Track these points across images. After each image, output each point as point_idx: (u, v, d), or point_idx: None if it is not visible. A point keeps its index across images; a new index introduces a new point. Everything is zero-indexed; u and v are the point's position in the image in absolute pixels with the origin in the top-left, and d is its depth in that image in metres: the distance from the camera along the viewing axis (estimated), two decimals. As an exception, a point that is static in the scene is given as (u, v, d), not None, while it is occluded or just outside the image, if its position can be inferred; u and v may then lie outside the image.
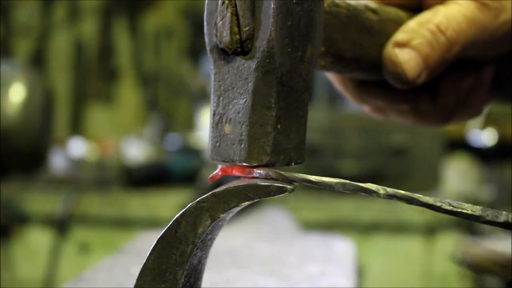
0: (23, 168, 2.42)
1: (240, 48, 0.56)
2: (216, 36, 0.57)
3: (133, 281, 0.53)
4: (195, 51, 3.54)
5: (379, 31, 0.67)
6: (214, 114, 0.58)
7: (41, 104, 2.44)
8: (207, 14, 0.58)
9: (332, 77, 0.76)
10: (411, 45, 0.65)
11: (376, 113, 0.77)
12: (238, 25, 0.56)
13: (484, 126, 2.90)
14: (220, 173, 0.55)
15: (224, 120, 0.57)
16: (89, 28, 3.61)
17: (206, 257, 0.56)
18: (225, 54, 0.57)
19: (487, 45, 0.68)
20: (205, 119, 2.79)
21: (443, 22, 0.66)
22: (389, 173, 2.13)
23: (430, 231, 2.04)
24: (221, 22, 0.57)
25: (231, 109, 0.57)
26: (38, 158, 2.46)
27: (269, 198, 0.51)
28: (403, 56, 0.65)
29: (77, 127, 3.55)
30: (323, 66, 0.64)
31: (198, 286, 0.56)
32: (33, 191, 2.37)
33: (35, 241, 2.28)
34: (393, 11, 0.69)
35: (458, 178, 2.40)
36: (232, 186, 0.51)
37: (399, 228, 2.09)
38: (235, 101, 0.57)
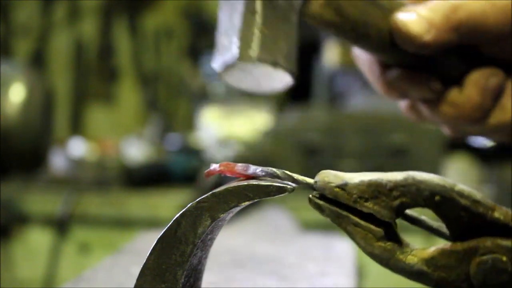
0: (23, 168, 2.42)
1: None
2: None
3: (133, 281, 0.53)
4: (195, 51, 3.54)
5: (388, 8, 0.72)
6: (216, 36, 0.68)
7: (41, 104, 2.44)
8: None
9: (361, 63, 0.79)
10: (415, 11, 0.71)
11: (411, 112, 0.80)
12: None
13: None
14: (217, 169, 0.54)
15: (222, 36, 0.68)
16: (89, 28, 3.61)
17: (206, 257, 0.56)
18: None
19: (505, 39, 0.70)
20: (205, 119, 2.79)
21: None
22: (389, 173, 2.13)
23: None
24: None
25: (228, 26, 0.67)
26: (38, 158, 2.46)
27: (269, 198, 0.51)
28: (406, 17, 0.70)
29: (77, 127, 3.55)
30: (326, 20, 0.70)
31: (198, 286, 0.56)
32: (33, 191, 2.37)
33: (35, 241, 2.27)
34: (405, 1, 0.74)
35: (458, 178, 2.40)
36: (232, 186, 0.51)
37: (399, 228, 2.08)
38: (231, 18, 0.67)
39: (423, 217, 0.53)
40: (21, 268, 2.28)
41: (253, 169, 0.53)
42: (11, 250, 2.28)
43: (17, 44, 3.58)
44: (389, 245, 0.50)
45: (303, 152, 2.15)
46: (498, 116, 0.75)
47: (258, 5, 0.65)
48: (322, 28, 0.72)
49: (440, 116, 0.76)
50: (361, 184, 0.50)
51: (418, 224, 0.53)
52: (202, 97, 3.12)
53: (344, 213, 0.51)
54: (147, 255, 0.52)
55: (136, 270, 0.53)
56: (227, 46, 0.66)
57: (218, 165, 0.54)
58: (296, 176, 0.52)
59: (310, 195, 0.52)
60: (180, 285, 0.52)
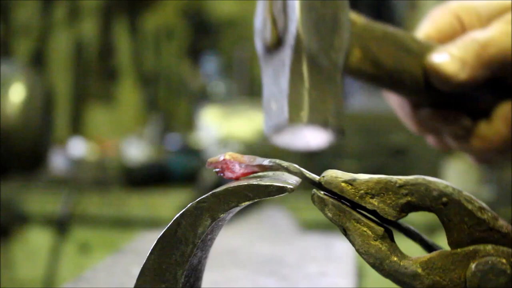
0: (23, 168, 2.42)
1: (279, 42, 0.70)
2: (262, 39, 0.73)
3: (133, 281, 0.53)
4: (195, 51, 3.54)
5: (418, 53, 0.76)
6: (264, 101, 0.71)
7: (41, 104, 2.44)
8: (258, 30, 0.74)
9: (392, 102, 0.83)
10: (446, 51, 0.74)
11: (439, 144, 0.83)
12: (275, 24, 0.71)
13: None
14: (222, 158, 0.54)
15: (270, 100, 0.70)
16: (89, 28, 3.61)
17: (206, 257, 0.56)
18: (270, 50, 0.72)
19: None
20: (205, 119, 2.79)
21: (474, 33, 0.75)
22: (389, 173, 2.13)
23: (430, 231, 2.05)
24: (263, 25, 0.72)
25: (275, 90, 0.70)
26: (38, 158, 2.46)
27: (269, 198, 0.51)
28: (440, 58, 0.73)
29: (77, 127, 3.55)
30: (365, 72, 0.75)
31: (198, 286, 0.56)
32: (33, 191, 2.37)
33: (35, 241, 2.27)
34: (433, 43, 0.78)
35: (458, 178, 2.40)
36: (232, 186, 0.51)
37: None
38: (277, 82, 0.70)
39: (416, 230, 0.54)
40: (21, 268, 2.28)
41: (260, 160, 0.53)
42: (11, 250, 2.28)
43: (17, 44, 3.58)
44: (385, 245, 0.50)
45: (303, 152, 2.15)
46: None
47: (305, 69, 0.69)
48: (360, 80, 0.77)
49: (470, 149, 0.79)
50: (370, 180, 0.51)
51: (411, 236, 0.53)
52: (202, 97, 3.12)
53: (347, 208, 0.51)
54: (147, 255, 0.52)
55: (136, 270, 0.53)
56: (277, 111, 0.69)
57: (223, 154, 0.54)
58: (303, 170, 0.52)
59: (314, 189, 0.52)
60: (180, 285, 0.52)
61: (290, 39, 0.69)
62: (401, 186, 0.50)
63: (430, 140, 0.85)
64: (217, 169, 0.55)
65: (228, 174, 0.55)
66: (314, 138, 0.72)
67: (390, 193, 0.50)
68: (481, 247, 0.48)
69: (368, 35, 0.74)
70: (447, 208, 0.49)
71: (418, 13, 2.87)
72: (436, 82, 0.74)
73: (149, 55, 3.62)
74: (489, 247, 0.48)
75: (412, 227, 0.55)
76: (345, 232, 0.51)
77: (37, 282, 2.20)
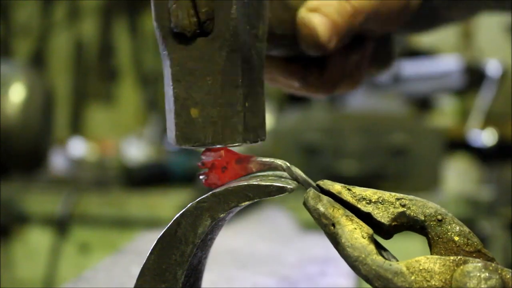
0: (23, 168, 2.42)
1: (199, 30, 0.56)
2: (170, 20, 0.56)
3: (133, 281, 0.53)
4: (195, 51, 3.54)
5: (296, 6, 0.69)
6: (176, 99, 0.57)
7: (41, 104, 2.44)
8: (160, 6, 0.56)
9: None
10: (321, 11, 0.68)
11: (268, 82, 0.77)
12: (195, 7, 0.55)
13: (484, 126, 2.90)
14: (220, 153, 0.54)
15: (189, 104, 0.57)
16: (89, 28, 3.61)
17: (206, 257, 0.56)
18: (182, 37, 0.56)
19: (384, 21, 0.73)
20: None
21: None
22: (389, 173, 2.13)
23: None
24: (175, 5, 0.55)
25: (196, 92, 0.56)
26: (38, 158, 2.46)
27: (269, 198, 0.51)
28: (315, 20, 0.68)
29: (77, 127, 3.55)
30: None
31: (198, 286, 0.56)
32: (33, 191, 2.37)
33: (35, 241, 2.27)
34: None
35: (458, 178, 2.40)
36: (232, 186, 0.51)
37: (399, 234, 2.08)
38: (200, 83, 0.56)
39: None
40: (21, 268, 2.28)
41: (257, 158, 0.53)
42: (11, 250, 2.28)
43: (17, 44, 3.58)
44: (373, 245, 0.50)
45: (303, 152, 2.15)
46: (345, 87, 0.77)
47: (240, 79, 0.56)
48: None
49: (297, 92, 0.78)
50: (367, 190, 0.52)
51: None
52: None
53: (341, 206, 0.52)
54: (147, 255, 0.52)
55: (136, 270, 0.53)
56: (201, 124, 0.57)
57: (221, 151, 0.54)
58: (298, 171, 0.53)
59: (311, 187, 0.52)
60: (180, 285, 0.52)
61: (221, 32, 0.55)
62: (399, 199, 0.51)
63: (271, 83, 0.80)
64: (203, 172, 0.55)
65: (212, 179, 0.55)
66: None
67: (387, 203, 0.52)
68: (470, 258, 0.49)
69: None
70: (439, 225, 0.50)
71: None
72: (306, 45, 0.69)
73: (149, 55, 3.62)
74: (477, 260, 0.49)
75: None
76: (333, 226, 0.51)
77: (37, 282, 2.20)
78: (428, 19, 0.81)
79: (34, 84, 2.45)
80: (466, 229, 0.50)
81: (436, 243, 0.50)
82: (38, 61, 3.54)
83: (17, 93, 2.38)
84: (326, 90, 0.76)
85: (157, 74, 3.63)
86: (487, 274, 0.47)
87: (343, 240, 0.50)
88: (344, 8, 0.69)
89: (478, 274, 0.47)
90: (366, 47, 0.77)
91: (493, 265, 0.48)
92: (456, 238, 0.50)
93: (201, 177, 0.57)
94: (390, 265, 0.48)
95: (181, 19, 0.55)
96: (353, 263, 0.49)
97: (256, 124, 0.59)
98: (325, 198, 0.52)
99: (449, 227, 0.50)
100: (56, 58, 3.60)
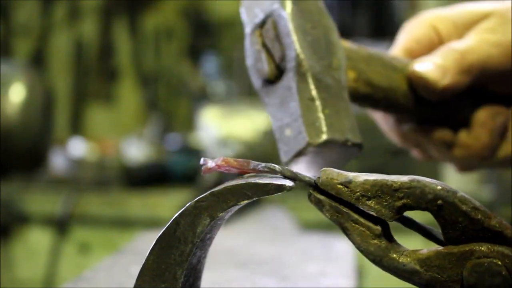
0: (23, 168, 2.42)
1: (278, 71, 0.70)
2: (258, 73, 0.72)
3: (132, 281, 0.53)
4: (195, 51, 3.54)
5: (402, 69, 0.77)
6: (276, 130, 0.70)
7: (41, 104, 2.44)
8: (251, 66, 0.73)
9: (377, 117, 0.85)
10: (426, 59, 0.76)
11: (423, 156, 0.85)
12: (270, 54, 0.71)
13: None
14: (217, 164, 0.54)
15: (284, 128, 0.70)
16: (89, 28, 3.61)
17: (205, 257, 0.56)
18: (270, 82, 0.71)
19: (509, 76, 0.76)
20: (205, 119, 2.79)
21: (453, 43, 0.77)
22: (389, 173, 2.13)
23: (432, 226, 2.04)
24: (256, 60, 0.72)
25: (286, 117, 0.69)
26: (38, 158, 2.46)
27: (268, 196, 0.51)
28: (423, 67, 0.75)
29: (77, 127, 3.55)
30: (361, 94, 0.75)
31: (198, 285, 0.56)
32: (33, 191, 2.37)
33: (35, 241, 2.27)
34: (411, 60, 0.80)
35: (458, 178, 2.40)
36: (230, 185, 0.51)
37: (399, 228, 2.08)
38: (286, 109, 0.69)
39: (417, 220, 0.54)
40: (21, 268, 2.27)
41: (254, 165, 0.53)
42: (11, 250, 2.27)
43: (17, 44, 3.58)
44: (384, 243, 0.51)
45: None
46: (505, 150, 0.80)
47: (313, 89, 0.68)
48: (357, 102, 0.76)
49: (453, 158, 0.81)
50: (365, 183, 0.51)
51: (411, 226, 0.54)
52: (202, 97, 3.11)
53: (344, 209, 0.51)
54: (146, 255, 0.52)
55: (136, 270, 0.53)
56: (294, 136, 0.69)
57: (218, 159, 0.54)
58: (297, 172, 0.52)
59: (311, 190, 0.52)
60: (180, 284, 0.52)
61: (291, 64, 0.69)
62: (396, 190, 0.51)
63: (414, 152, 0.87)
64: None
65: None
66: (334, 155, 0.71)
67: (386, 196, 0.51)
68: (476, 247, 0.50)
69: (357, 56, 0.75)
70: (442, 209, 0.50)
71: (418, 13, 2.86)
72: (421, 89, 0.76)
73: (149, 55, 3.62)
74: (483, 247, 0.49)
75: (410, 217, 0.55)
76: (345, 231, 0.52)
77: (37, 282, 2.20)
78: None
79: (34, 84, 2.45)
80: (470, 206, 0.50)
81: (443, 225, 0.51)
82: (38, 61, 3.54)
83: (17, 93, 2.38)
84: (480, 152, 0.79)
85: (157, 74, 3.63)
86: (492, 272, 0.49)
87: (356, 246, 0.52)
88: (450, 52, 0.75)
89: (485, 275, 0.49)
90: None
91: (499, 252, 0.49)
92: (460, 219, 0.50)
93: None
94: (404, 265, 0.51)
95: (264, 68, 0.71)
96: (372, 263, 0.52)
97: (344, 128, 0.69)
98: (327, 203, 0.52)
99: (451, 210, 0.50)
100: (56, 58, 3.60)
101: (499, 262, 0.49)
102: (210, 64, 3.30)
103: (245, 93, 3.11)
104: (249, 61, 0.73)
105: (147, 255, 0.52)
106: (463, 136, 0.79)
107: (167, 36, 3.62)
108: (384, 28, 3.02)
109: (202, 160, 0.53)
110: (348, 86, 0.73)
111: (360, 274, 0.98)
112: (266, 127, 2.53)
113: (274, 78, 0.70)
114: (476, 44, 0.75)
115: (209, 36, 3.55)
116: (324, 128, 0.67)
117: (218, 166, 0.53)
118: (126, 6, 3.60)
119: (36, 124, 2.40)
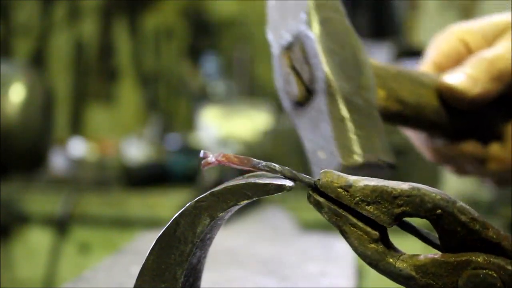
0: (23, 168, 2.42)
1: (308, 93, 0.70)
2: (288, 95, 0.72)
3: (132, 281, 0.53)
4: (195, 51, 3.54)
5: (431, 84, 0.78)
6: (309, 152, 0.71)
7: (41, 104, 2.44)
8: (281, 88, 0.73)
9: (409, 134, 0.86)
10: (457, 71, 0.76)
11: (457, 172, 0.85)
12: (299, 76, 0.70)
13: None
14: (218, 159, 0.54)
15: (316, 150, 0.70)
16: (89, 28, 3.61)
17: (205, 257, 0.56)
18: (300, 105, 0.71)
19: None
20: (205, 119, 2.79)
21: (481, 52, 0.77)
22: (389, 173, 2.13)
23: (429, 230, 2.04)
24: (285, 82, 0.72)
25: (318, 139, 0.70)
26: (38, 158, 2.46)
27: (268, 196, 0.51)
28: (453, 79, 0.76)
29: (77, 127, 3.55)
30: (392, 112, 0.75)
31: (198, 285, 0.56)
32: (33, 191, 2.36)
33: (35, 241, 2.27)
34: (438, 74, 0.80)
35: (458, 178, 2.39)
36: (230, 185, 0.51)
37: (397, 231, 2.07)
38: (318, 131, 0.69)
39: (416, 225, 0.54)
40: (21, 268, 2.27)
41: (254, 162, 0.53)
42: (11, 250, 2.27)
43: (17, 44, 3.58)
44: (381, 248, 0.51)
45: (303, 152, 2.15)
46: None
47: (344, 110, 0.68)
48: (387, 121, 0.76)
49: (487, 172, 0.81)
50: (365, 188, 0.51)
51: (410, 231, 0.54)
52: (202, 97, 3.11)
53: (343, 212, 0.51)
54: (146, 255, 0.52)
55: (136, 270, 0.53)
56: (327, 158, 0.69)
57: (218, 154, 0.54)
58: (297, 172, 0.52)
59: (310, 191, 0.52)
60: (180, 284, 0.52)
61: (320, 85, 0.69)
62: (396, 197, 0.51)
63: (448, 168, 0.87)
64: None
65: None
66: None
67: (386, 202, 0.51)
68: (472, 257, 0.50)
69: (385, 74, 0.75)
70: (440, 218, 0.50)
71: (418, 13, 2.87)
72: (452, 100, 0.76)
73: (149, 55, 3.62)
74: (480, 258, 0.50)
75: (408, 221, 0.55)
76: (343, 234, 0.52)
77: (37, 282, 2.20)
78: None
79: (34, 84, 2.45)
80: (468, 216, 0.50)
81: (441, 233, 0.51)
82: (38, 61, 3.54)
83: (17, 93, 2.38)
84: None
85: (157, 74, 3.63)
86: (487, 284, 0.49)
87: (353, 249, 0.52)
88: (479, 62, 0.76)
89: (480, 283, 0.49)
90: None
91: (494, 264, 0.49)
92: (459, 229, 0.50)
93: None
94: (400, 270, 0.51)
95: (294, 91, 0.71)
96: (369, 266, 0.52)
97: (376, 148, 0.70)
98: (325, 205, 0.52)
99: (450, 219, 0.50)
100: (56, 58, 3.60)
101: (495, 274, 0.49)
102: (210, 64, 3.30)
103: (245, 93, 3.11)
104: (278, 83, 0.74)
105: (147, 255, 0.52)
106: (496, 149, 0.79)
107: (167, 36, 3.62)
108: (384, 28, 3.02)
109: (202, 153, 0.53)
110: (378, 104, 0.73)
111: (360, 274, 0.98)
112: (266, 127, 2.53)
113: (304, 100, 0.71)
114: (505, 51, 0.75)
115: (209, 36, 3.55)
116: (357, 149, 0.68)
117: (218, 161, 0.52)
118: (126, 6, 3.60)
119: (36, 124, 2.40)
